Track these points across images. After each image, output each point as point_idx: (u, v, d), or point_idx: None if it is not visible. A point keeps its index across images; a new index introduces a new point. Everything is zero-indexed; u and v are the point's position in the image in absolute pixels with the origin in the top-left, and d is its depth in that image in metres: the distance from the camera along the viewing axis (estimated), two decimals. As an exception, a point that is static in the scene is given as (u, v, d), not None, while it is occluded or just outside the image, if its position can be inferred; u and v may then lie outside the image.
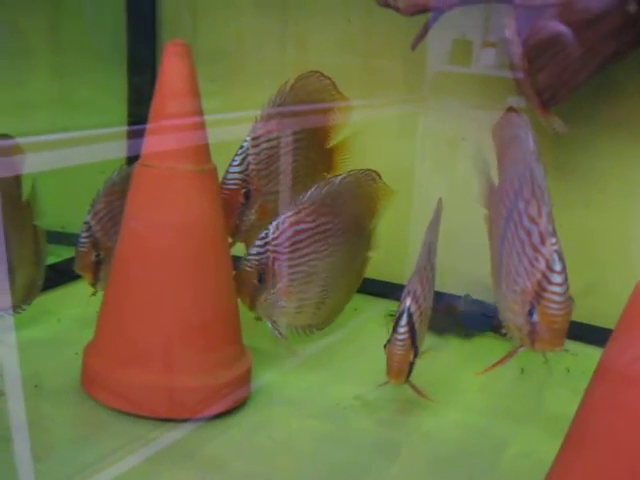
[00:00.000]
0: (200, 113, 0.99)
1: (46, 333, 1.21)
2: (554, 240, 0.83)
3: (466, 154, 1.45)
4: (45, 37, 1.55)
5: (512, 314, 0.88)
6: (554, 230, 0.84)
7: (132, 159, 1.01)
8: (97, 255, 1.17)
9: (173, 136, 0.97)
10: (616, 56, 1.18)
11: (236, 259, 1.11)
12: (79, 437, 0.96)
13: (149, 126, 0.98)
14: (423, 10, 1.20)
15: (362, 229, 1.25)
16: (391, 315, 1.38)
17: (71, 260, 1.22)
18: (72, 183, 1.25)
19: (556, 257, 0.83)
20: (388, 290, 1.41)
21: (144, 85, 1.51)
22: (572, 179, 1.32)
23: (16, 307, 1.13)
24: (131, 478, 0.88)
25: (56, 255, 1.25)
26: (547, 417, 1.08)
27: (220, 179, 1.14)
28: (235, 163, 1.22)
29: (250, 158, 1.22)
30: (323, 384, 1.14)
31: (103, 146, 1.24)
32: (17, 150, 1.10)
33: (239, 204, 1.22)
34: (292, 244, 1.12)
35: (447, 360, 1.25)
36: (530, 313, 0.84)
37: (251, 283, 1.11)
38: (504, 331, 1.30)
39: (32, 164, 1.13)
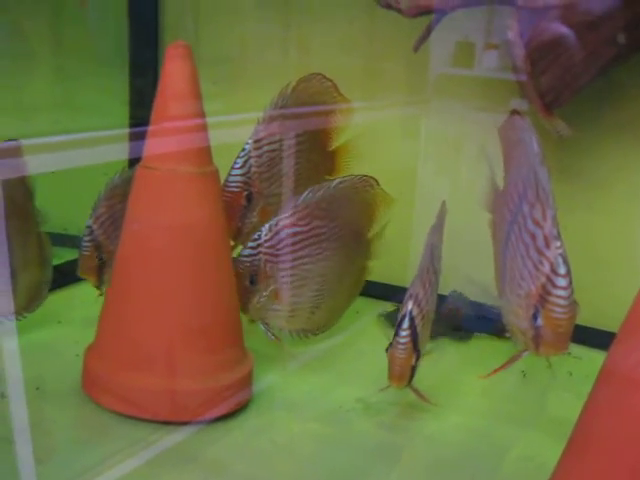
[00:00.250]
0: (202, 115, 0.98)
1: (47, 335, 1.21)
2: (559, 243, 0.83)
3: (469, 156, 1.45)
4: (48, 40, 1.55)
5: (516, 318, 0.88)
6: (559, 233, 0.83)
7: (134, 161, 1.01)
8: (100, 258, 1.17)
9: (175, 138, 0.96)
10: (619, 58, 1.18)
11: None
12: (80, 440, 0.96)
13: (151, 128, 0.97)
14: (425, 12, 1.19)
15: (359, 236, 1.25)
16: (384, 315, 1.39)
17: (73, 262, 1.23)
18: (74, 185, 1.25)
19: (561, 260, 0.82)
20: (390, 292, 1.41)
21: (146, 88, 1.51)
22: (576, 182, 1.32)
23: (18, 313, 1.14)
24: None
25: (58, 257, 1.25)
26: (549, 421, 1.08)
27: (222, 181, 1.14)
28: (237, 166, 1.22)
29: (252, 161, 1.22)
30: (325, 387, 1.14)
31: (105, 148, 1.24)
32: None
33: (241, 207, 1.22)
34: (284, 247, 1.12)
35: (449, 363, 1.24)
36: (534, 317, 0.84)
37: (242, 285, 1.10)
38: (508, 334, 1.30)
39: (34, 166, 1.14)
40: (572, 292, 0.83)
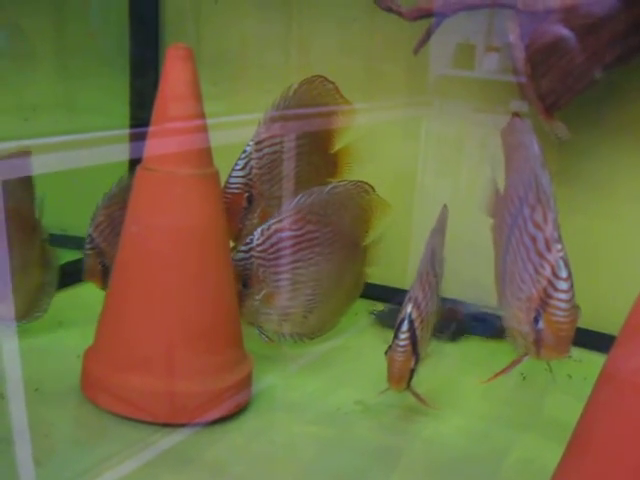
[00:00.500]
0: (202, 117, 0.98)
1: (48, 336, 1.20)
2: (560, 246, 0.83)
3: (470, 158, 1.45)
4: (49, 40, 1.55)
5: (517, 322, 0.88)
6: (560, 236, 0.83)
7: (134, 162, 1.01)
8: (103, 264, 1.19)
9: (175, 140, 0.96)
10: (620, 61, 1.18)
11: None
12: (79, 441, 0.95)
13: (151, 129, 0.97)
14: (426, 15, 1.19)
15: (354, 241, 1.24)
16: (375, 313, 1.39)
17: (74, 263, 1.24)
18: (74, 186, 1.25)
19: (562, 264, 0.82)
20: (390, 295, 1.41)
21: (147, 88, 1.51)
22: (576, 185, 1.32)
23: (19, 320, 1.14)
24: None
25: (59, 258, 1.25)
26: (549, 423, 1.08)
27: (223, 183, 1.14)
28: (238, 167, 1.22)
29: (253, 162, 1.22)
30: (324, 389, 1.14)
31: (105, 149, 1.24)
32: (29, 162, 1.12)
33: (241, 208, 1.22)
34: (277, 251, 1.12)
35: (448, 366, 1.24)
36: (535, 320, 0.84)
37: (235, 288, 1.10)
38: (506, 337, 1.30)
39: (34, 166, 1.14)
40: (573, 295, 0.82)
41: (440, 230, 1.07)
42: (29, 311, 1.17)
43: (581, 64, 1.16)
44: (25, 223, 1.15)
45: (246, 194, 1.22)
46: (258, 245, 1.11)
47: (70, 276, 1.26)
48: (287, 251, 1.13)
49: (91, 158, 1.18)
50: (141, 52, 1.56)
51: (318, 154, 1.32)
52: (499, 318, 1.29)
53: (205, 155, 0.99)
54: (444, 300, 1.20)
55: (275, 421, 1.04)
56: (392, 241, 1.29)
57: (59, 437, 0.95)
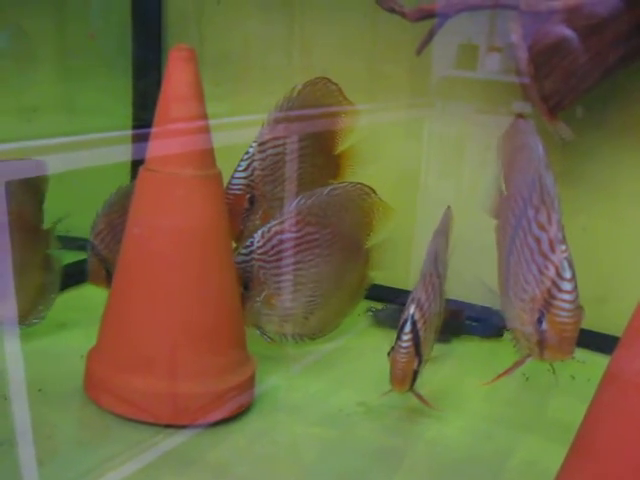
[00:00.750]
0: (205, 118, 0.98)
1: (51, 337, 1.20)
2: (564, 247, 0.82)
3: (473, 159, 1.45)
4: (51, 41, 1.56)
5: (520, 323, 0.87)
6: (564, 237, 0.83)
7: (137, 163, 1.01)
8: (107, 270, 1.20)
9: (178, 141, 0.96)
10: (623, 62, 1.17)
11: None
12: (82, 442, 0.95)
13: (154, 131, 0.97)
14: (428, 15, 1.19)
15: (355, 243, 1.24)
16: (373, 312, 1.38)
17: (76, 264, 1.25)
18: (77, 186, 1.25)
19: (566, 264, 0.82)
20: (392, 295, 1.41)
21: (149, 89, 1.51)
22: (579, 186, 1.32)
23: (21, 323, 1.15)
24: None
25: (61, 263, 1.26)
26: (552, 425, 1.08)
27: (225, 184, 1.14)
28: (240, 168, 1.22)
29: (256, 164, 1.22)
30: (326, 390, 1.13)
31: (108, 150, 1.24)
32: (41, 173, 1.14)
33: (243, 209, 1.22)
34: (277, 253, 1.13)
35: (450, 367, 1.24)
36: (539, 321, 0.83)
37: (238, 289, 1.10)
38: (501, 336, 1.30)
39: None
40: (577, 296, 0.82)
41: (443, 231, 1.06)
42: (27, 316, 1.16)
43: (584, 65, 1.16)
44: (28, 226, 1.16)
45: (248, 195, 1.22)
46: (259, 247, 1.12)
47: (73, 277, 1.26)
48: (287, 253, 1.14)
49: (94, 159, 1.18)
50: (143, 53, 1.56)
51: (321, 155, 1.32)
52: (497, 318, 1.30)
53: (208, 156, 0.99)
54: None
55: (278, 422, 1.04)
56: (394, 242, 1.29)
57: (62, 438, 0.95)
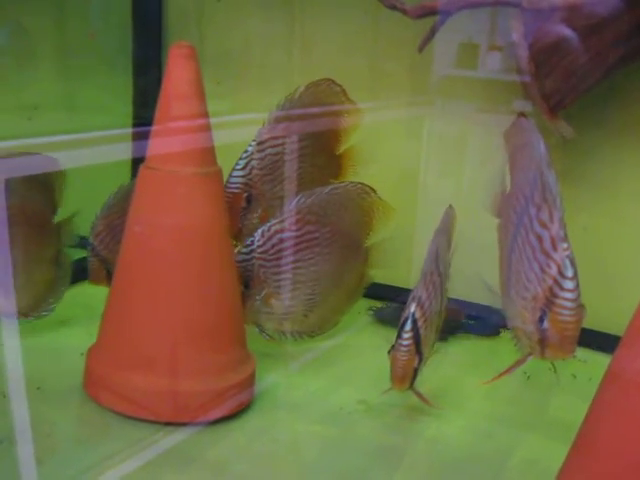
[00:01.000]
0: (205, 115, 0.98)
1: (52, 334, 1.20)
2: (566, 245, 0.82)
3: (473, 158, 1.45)
4: (51, 39, 1.55)
5: (521, 321, 0.87)
6: (566, 235, 0.83)
7: (137, 161, 1.01)
8: (107, 269, 1.21)
9: (178, 138, 0.96)
10: (624, 61, 1.17)
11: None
12: (81, 440, 0.95)
13: (154, 128, 0.97)
14: (430, 13, 1.19)
15: (355, 242, 1.25)
16: (373, 310, 1.38)
17: (76, 261, 1.25)
18: (77, 184, 1.25)
19: (568, 263, 0.82)
20: (392, 294, 1.41)
21: (150, 87, 1.51)
22: (580, 184, 1.31)
23: (23, 315, 1.16)
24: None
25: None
26: (553, 424, 1.07)
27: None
28: (239, 167, 1.22)
29: (254, 162, 1.22)
30: (327, 388, 1.13)
31: (108, 148, 1.24)
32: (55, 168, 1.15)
33: (241, 208, 1.22)
34: (277, 251, 1.13)
35: (450, 365, 1.24)
36: (541, 320, 0.83)
37: (239, 287, 1.10)
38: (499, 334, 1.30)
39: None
40: (579, 295, 0.82)
41: (445, 230, 1.06)
42: (36, 308, 1.18)
43: (585, 64, 1.15)
44: (37, 221, 1.16)
45: (245, 194, 1.22)
46: (259, 246, 1.12)
47: (73, 275, 1.26)
48: (287, 252, 1.14)
49: (94, 157, 1.18)
50: (144, 51, 1.55)
51: (322, 155, 1.32)
52: (494, 316, 1.30)
53: (208, 153, 0.98)
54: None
55: (278, 420, 1.04)
56: (395, 240, 1.29)
57: (61, 436, 0.95)
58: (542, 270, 0.83)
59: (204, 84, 0.98)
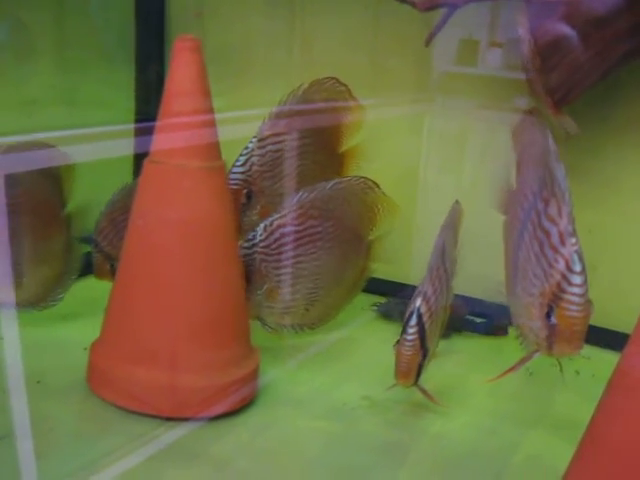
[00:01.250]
0: (211, 109, 0.97)
1: (55, 328, 1.20)
2: (574, 240, 0.82)
3: (473, 154, 1.44)
4: (51, 33, 1.54)
5: (528, 318, 0.87)
6: (574, 230, 0.82)
7: (139, 156, 1.01)
8: (111, 264, 1.22)
9: (183, 132, 0.95)
10: (629, 57, 1.17)
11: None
12: (83, 435, 0.95)
13: (159, 122, 0.96)
14: (438, 5, 1.18)
15: (357, 236, 1.25)
16: (377, 305, 1.38)
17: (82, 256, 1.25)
18: (82, 179, 1.24)
19: (576, 257, 0.81)
20: (391, 289, 1.41)
21: (152, 81, 1.50)
22: (585, 181, 1.31)
23: (23, 306, 1.16)
24: (135, 476, 0.86)
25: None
26: (557, 420, 1.07)
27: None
28: (239, 163, 1.22)
29: (254, 159, 1.21)
30: (330, 383, 1.13)
31: (110, 143, 1.23)
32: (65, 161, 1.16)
33: (240, 204, 1.21)
34: (279, 246, 1.13)
35: (454, 362, 1.24)
36: (548, 315, 0.83)
37: (243, 281, 1.10)
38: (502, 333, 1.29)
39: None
40: (587, 290, 0.81)
41: (451, 225, 1.06)
42: (44, 298, 1.19)
43: (590, 59, 1.15)
44: (47, 212, 1.17)
45: (245, 190, 1.22)
46: (261, 241, 1.12)
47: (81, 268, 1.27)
48: (289, 246, 1.13)
49: (96, 152, 1.17)
50: (146, 45, 1.55)
51: (325, 153, 1.32)
52: (497, 313, 1.30)
53: (214, 148, 0.98)
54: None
55: (281, 416, 1.03)
56: (396, 236, 1.29)
57: (64, 430, 0.95)
58: (550, 265, 0.82)
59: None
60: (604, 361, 1.20)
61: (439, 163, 1.48)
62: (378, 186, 1.23)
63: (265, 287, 1.13)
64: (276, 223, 1.12)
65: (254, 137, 1.23)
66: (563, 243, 0.82)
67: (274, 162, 1.24)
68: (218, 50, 1.54)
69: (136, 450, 0.91)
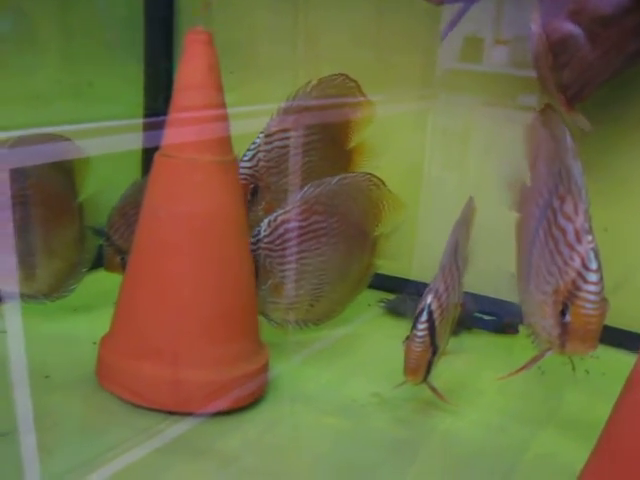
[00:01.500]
0: (223, 103, 0.96)
1: (63, 322, 1.20)
2: (590, 238, 0.81)
3: (477, 151, 1.44)
4: (58, 26, 1.53)
5: (541, 316, 0.86)
6: (591, 228, 0.82)
7: (148, 150, 1.00)
8: (122, 258, 1.23)
9: (195, 126, 0.95)
10: (637, 56, 1.16)
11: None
12: (91, 429, 0.94)
13: (170, 116, 0.95)
14: (451, 0, 1.18)
15: (362, 232, 1.24)
16: (385, 302, 1.37)
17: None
18: (92, 173, 1.24)
19: (592, 255, 0.81)
20: (395, 284, 1.41)
21: (160, 76, 1.49)
22: (600, 179, 1.30)
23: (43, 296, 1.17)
24: (142, 470, 0.86)
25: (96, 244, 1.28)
26: (567, 419, 1.07)
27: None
28: (246, 158, 1.22)
29: (261, 155, 1.21)
30: (339, 379, 1.13)
31: (120, 137, 1.23)
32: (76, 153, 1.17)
33: (246, 200, 1.21)
34: (284, 242, 1.12)
35: (464, 360, 1.23)
36: (563, 313, 0.82)
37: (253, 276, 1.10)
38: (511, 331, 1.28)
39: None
40: (603, 288, 0.81)
41: (464, 222, 1.05)
42: (57, 289, 1.19)
43: (603, 55, 1.14)
44: (59, 203, 1.18)
45: (251, 185, 1.21)
46: (265, 236, 1.11)
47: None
48: (294, 242, 1.13)
49: (105, 146, 1.17)
50: (155, 38, 1.54)
51: (333, 149, 1.31)
52: (506, 312, 1.29)
53: (226, 141, 0.97)
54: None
55: (290, 412, 1.03)
56: (399, 232, 1.29)
57: (70, 424, 0.94)
58: (565, 263, 0.82)
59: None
60: (614, 360, 1.20)
61: (443, 159, 1.47)
62: (384, 183, 1.23)
63: (269, 282, 1.13)
64: (280, 218, 1.12)
65: (261, 132, 1.22)
66: (579, 240, 0.81)
67: (280, 158, 1.23)
68: (225, 44, 1.53)
69: (143, 444, 0.91)
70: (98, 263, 1.27)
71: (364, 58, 1.46)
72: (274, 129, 1.22)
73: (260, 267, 1.11)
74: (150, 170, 0.98)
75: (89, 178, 1.22)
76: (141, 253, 0.99)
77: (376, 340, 1.28)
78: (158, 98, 1.46)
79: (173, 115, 0.95)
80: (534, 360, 0.91)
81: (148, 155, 1.01)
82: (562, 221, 0.83)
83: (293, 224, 1.12)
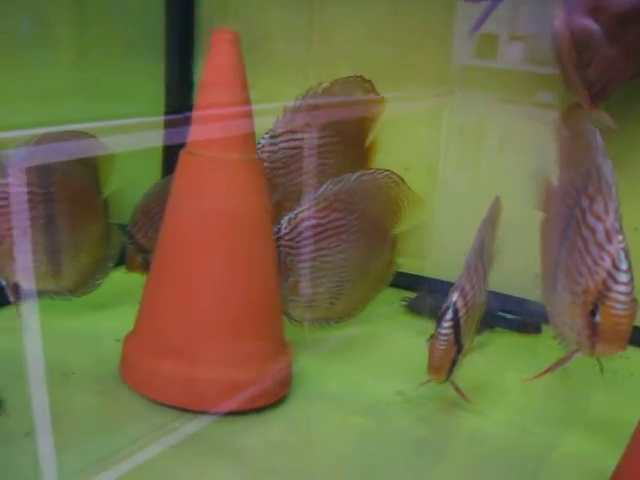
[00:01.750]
0: (248, 102, 0.96)
1: (87, 319, 1.20)
2: (621, 237, 0.80)
3: (492, 148, 1.43)
4: (75, 24, 1.54)
5: (569, 317, 0.85)
6: (621, 227, 0.81)
7: (168, 148, 1.00)
8: (144, 257, 1.24)
9: (220, 124, 0.94)
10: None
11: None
12: (111, 425, 0.94)
13: (195, 114, 0.95)
14: (482, -4, 1.17)
15: (382, 229, 1.24)
16: (407, 301, 1.37)
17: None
18: (117, 171, 1.25)
19: (623, 255, 0.80)
20: (411, 282, 1.41)
21: (181, 74, 1.50)
22: (631, 178, 1.28)
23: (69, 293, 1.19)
24: (163, 466, 0.86)
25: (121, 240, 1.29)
26: (593, 420, 1.06)
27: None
28: None
29: (264, 156, 1.21)
30: (362, 379, 1.12)
31: (140, 135, 1.23)
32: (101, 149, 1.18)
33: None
34: (304, 239, 1.12)
35: (487, 359, 1.23)
36: (592, 314, 0.81)
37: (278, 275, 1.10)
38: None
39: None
40: (633, 288, 0.80)
41: (490, 221, 1.04)
42: (83, 285, 1.20)
43: (627, 52, 1.13)
44: (84, 199, 1.18)
45: None
46: (286, 234, 1.11)
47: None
48: (314, 239, 1.13)
49: (125, 144, 1.17)
50: (176, 37, 1.54)
51: (348, 148, 1.31)
52: (528, 311, 1.28)
53: (251, 140, 0.97)
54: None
55: (314, 411, 1.03)
56: (416, 230, 1.29)
57: (93, 421, 0.95)
58: (595, 263, 0.81)
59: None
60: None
61: (458, 157, 1.47)
62: (403, 180, 1.22)
63: (290, 280, 1.13)
64: (300, 216, 1.12)
65: (266, 133, 1.22)
66: (609, 240, 0.80)
67: (288, 160, 1.23)
68: (249, 40, 1.53)
69: (165, 442, 0.91)
70: (121, 261, 1.28)
71: (379, 55, 1.46)
72: (280, 130, 1.22)
73: (280, 264, 1.11)
74: (174, 168, 0.98)
75: (113, 175, 1.22)
76: (165, 251, 0.99)
77: (398, 339, 1.28)
78: (179, 95, 1.46)
79: (198, 113, 0.95)
80: (561, 362, 0.90)
81: (169, 152, 1.01)
82: (592, 221, 0.83)
83: (313, 221, 1.12)
